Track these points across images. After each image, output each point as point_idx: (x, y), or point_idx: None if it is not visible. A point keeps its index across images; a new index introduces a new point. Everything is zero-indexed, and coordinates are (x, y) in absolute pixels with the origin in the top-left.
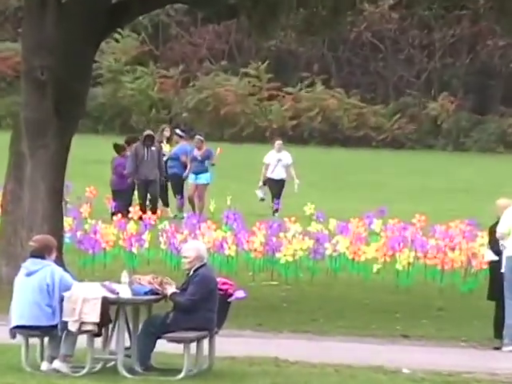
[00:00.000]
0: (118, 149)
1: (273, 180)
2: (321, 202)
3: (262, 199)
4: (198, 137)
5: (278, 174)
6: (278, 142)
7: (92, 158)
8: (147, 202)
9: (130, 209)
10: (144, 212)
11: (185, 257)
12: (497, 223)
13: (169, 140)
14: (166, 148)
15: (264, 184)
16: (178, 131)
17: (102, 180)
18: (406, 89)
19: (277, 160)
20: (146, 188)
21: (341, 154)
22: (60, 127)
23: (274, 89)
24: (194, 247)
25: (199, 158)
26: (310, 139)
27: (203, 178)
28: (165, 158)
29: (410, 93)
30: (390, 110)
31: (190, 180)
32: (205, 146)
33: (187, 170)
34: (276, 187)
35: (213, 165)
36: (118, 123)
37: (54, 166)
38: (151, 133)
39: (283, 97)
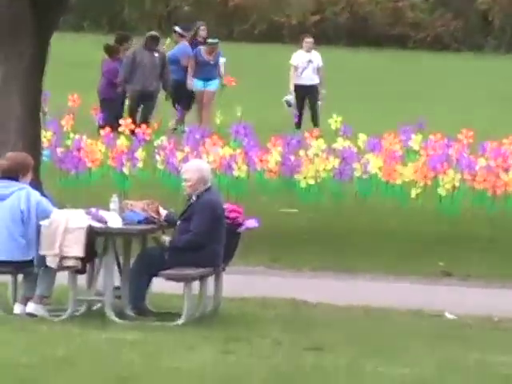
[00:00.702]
0: (110, 50)
1: (302, 86)
2: (348, 113)
3: (290, 105)
4: (212, 40)
5: (308, 78)
6: (308, 40)
7: (75, 61)
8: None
9: (121, 121)
10: (148, 126)
11: (185, 179)
12: None
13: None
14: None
15: (294, 90)
16: (177, 29)
17: (87, 87)
18: None
19: (307, 61)
20: (139, 100)
21: (372, 57)
22: (38, 25)
23: None
24: (195, 167)
25: (212, 62)
26: (336, 38)
27: (214, 84)
28: None
29: None
30: (431, 4)
31: (198, 87)
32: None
33: (189, 76)
34: (306, 94)
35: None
36: (107, 18)
37: (31, 72)
38: (155, 34)
39: None
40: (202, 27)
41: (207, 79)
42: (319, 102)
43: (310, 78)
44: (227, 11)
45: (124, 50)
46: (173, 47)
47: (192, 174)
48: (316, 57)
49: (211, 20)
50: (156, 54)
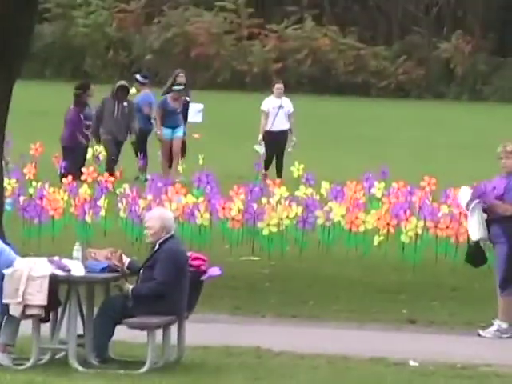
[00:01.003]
0: (78, 98)
1: (272, 132)
2: (311, 161)
3: (264, 153)
4: (177, 88)
5: (279, 123)
6: (279, 86)
7: (38, 109)
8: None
9: (83, 170)
10: (112, 175)
11: (147, 227)
12: None
13: (184, 87)
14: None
15: (263, 138)
16: (138, 77)
17: (49, 135)
18: (413, 26)
19: (278, 107)
20: (116, 145)
21: (335, 105)
22: (0, 72)
23: (255, 26)
24: (158, 216)
25: (178, 110)
26: (298, 86)
27: (181, 132)
28: None
29: (417, 31)
30: (393, 52)
31: (167, 136)
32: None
33: (158, 125)
34: (277, 141)
35: None
36: (70, 67)
37: None
38: (125, 84)
39: (266, 35)
40: (180, 74)
41: (175, 127)
42: (289, 149)
43: (280, 124)
44: (189, 60)
45: (86, 96)
46: (135, 96)
47: (154, 222)
48: (287, 102)
49: (173, 68)
50: (125, 103)
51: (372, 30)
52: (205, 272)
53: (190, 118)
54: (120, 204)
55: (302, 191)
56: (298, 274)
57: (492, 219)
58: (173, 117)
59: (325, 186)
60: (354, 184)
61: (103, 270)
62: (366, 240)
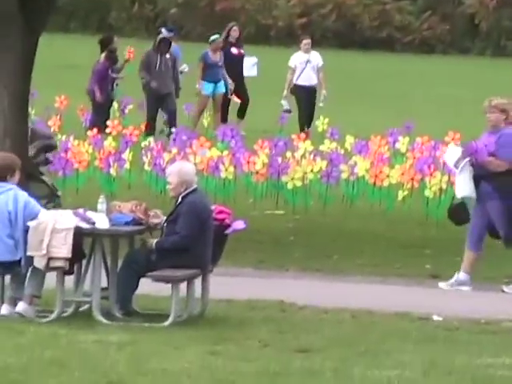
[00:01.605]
0: (111, 53)
1: (301, 87)
2: (335, 115)
3: (288, 111)
4: (216, 37)
5: (307, 78)
6: (306, 42)
7: (63, 62)
8: (163, 119)
9: (108, 122)
10: (150, 129)
11: (168, 182)
12: None
13: (238, 41)
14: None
15: (291, 92)
16: (164, 31)
17: (74, 88)
18: None
19: (305, 62)
20: (156, 104)
21: (359, 59)
22: (26, 24)
23: None
24: (176, 170)
25: (219, 63)
26: (323, 41)
27: (223, 87)
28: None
29: None
30: (418, 7)
31: (206, 91)
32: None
33: (198, 79)
34: (305, 95)
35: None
36: (95, 20)
37: (19, 71)
38: (167, 36)
39: None
40: (233, 28)
41: (216, 81)
42: (320, 104)
43: (308, 78)
44: (214, 14)
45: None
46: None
47: (173, 177)
48: (315, 57)
49: (198, 23)
50: (168, 56)
51: None
52: (229, 225)
53: (245, 73)
54: (144, 157)
55: (327, 145)
56: (322, 229)
57: (482, 177)
58: (214, 70)
59: (349, 140)
60: (379, 138)
61: (128, 222)
62: (390, 195)
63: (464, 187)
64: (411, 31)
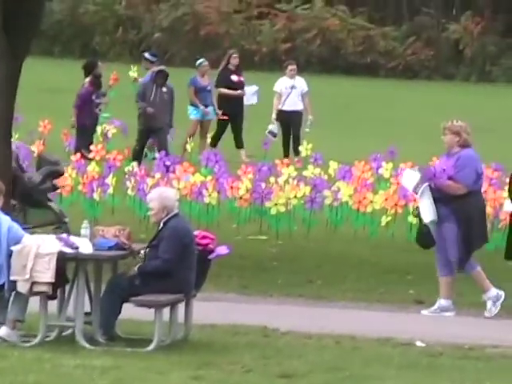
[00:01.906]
0: (96, 79)
1: (285, 112)
2: (319, 141)
3: (274, 135)
4: (202, 61)
5: (292, 104)
6: (292, 67)
7: (47, 86)
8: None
9: (92, 147)
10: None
11: (150, 208)
12: None
13: (238, 69)
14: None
15: (276, 119)
16: (147, 55)
17: (58, 112)
18: (422, 7)
19: (290, 87)
20: (147, 136)
21: (343, 85)
22: (9, 47)
23: (264, 5)
24: (157, 196)
25: (208, 87)
26: (307, 66)
27: (212, 112)
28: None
29: (426, 11)
30: (402, 33)
31: (194, 116)
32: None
33: (195, 102)
34: (289, 120)
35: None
36: (78, 45)
37: (2, 94)
38: (164, 68)
39: (275, 15)
40: (233, 55)
41: (205, 106)
42: (306, 129)
43: (293, 104)
44: (198, 39)
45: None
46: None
47: (154, 203)
48: (300, 82)
49: (182, 47)
50: (164, 89)
51: (381, 10)
52: (212, 251)
53: (245, 101)
54: (128, 182)
55: (310, 171)
56: (305, 254)
57: (439, 200)
58: (203, 94)
59: (333, 165)
60: (362, 164)
61: (111, 247)
62: (373, 220)
63: (429, 212)
64: (395, 57)
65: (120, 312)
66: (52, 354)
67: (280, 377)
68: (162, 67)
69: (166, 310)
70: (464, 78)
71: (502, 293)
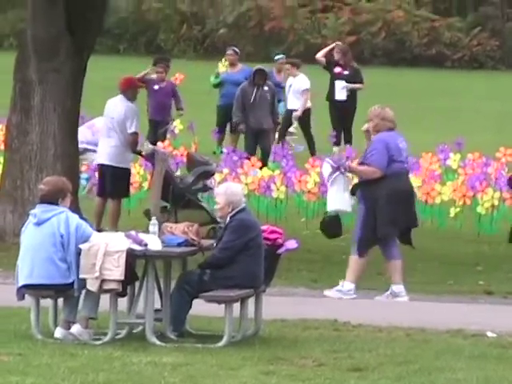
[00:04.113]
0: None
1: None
2: None
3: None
4: (280, 56)
5: (289, 102)
6: (286, 66)
7: (113, 84)
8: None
9: (158, 144)
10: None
11: (216, 203)
12: None
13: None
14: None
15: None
16: (236, 49)
17: None
18: None
19: (288, 86)
20: (255, 139)
21: (409, 76)
22: (74, 46)
23: None
24: (223, 191)
25: (282, 84)
26: (372, 58)
27: (282, 107)
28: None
29: (491, 1)
30: (467, 23)
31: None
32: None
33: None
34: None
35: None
36: (143, 42)
37: (68, 92)
38: (262, 67)
39: (340, 8)
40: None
41: (278, 101)
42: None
43: (290, 103)
44: (263, 34)
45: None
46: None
47: (220, 198)
48: (298, 81)
49: (247, 42)
50: (265, 88)
51: (446, 1)
52: (281, 245)
53: (336, 96)
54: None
55: None
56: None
57: (359, 184)
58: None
59: None
60: (430, 156)
61: (180, 244)
62: (441, 212)
63: (334, 201)
64: (460, 48)
65: (190, 308)
66: (122, 352)
67: (351, 370)
68: (260, 66)
69: (236, 306)
70: None
71: (404, 293)
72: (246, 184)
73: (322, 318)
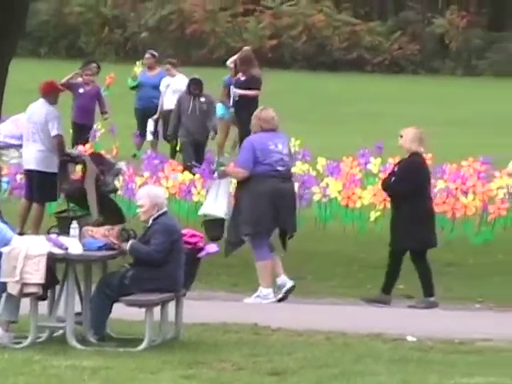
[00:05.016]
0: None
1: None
2: (307, 137)
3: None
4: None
5: (167, 102)
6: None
7: (33, 87)
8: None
9: (80, 147)
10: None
11: (139, 206)
12: None
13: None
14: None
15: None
16: (154, 52)
17: None
18: (407, 1)
19: (165, 86)
20: (192, 148)
21: (329, 80)
22: None
23: (249, 2)
24: (147, 193)
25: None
26: (293, 62)
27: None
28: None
29: (411, 6)
30: (388, 28)
31: (221, 114)
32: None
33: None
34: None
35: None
36: (64, 45)
37: None
38: (198, 77)
39: (261, 12)
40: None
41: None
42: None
43: (167, 103)
44: (184, 37)
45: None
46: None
47: (144, 200)
48: (176, 81)
49: (169, 46)
50: (202, 99)
51: (367, 5)
52: (202, 249)
53: (230, 101)
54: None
55: (299, 167)
56: (294, 251)
57: None
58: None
59: (321, 162)
60: (350, 160)
61: (101, 247)
62: (362, 216)
63: (206, 205)
64: (381, 52)
65: (110, 312)
66: (42, 356)
67: (271, 374)
68: (194, 76)
69: (157, 309)
70: (450, 71)
71: (272, 296)
72: (167, 188)
73: (242, 322)
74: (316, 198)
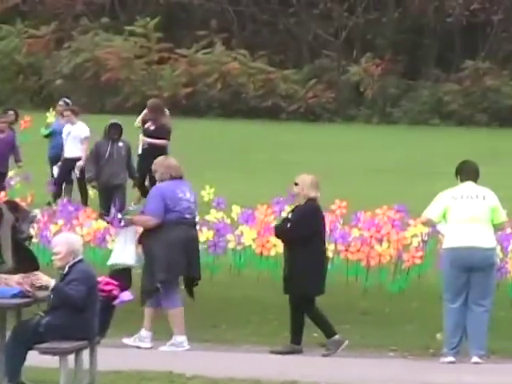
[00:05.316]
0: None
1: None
2: (221, 185)
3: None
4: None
5: (68, 150)
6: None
7: None
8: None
9: None
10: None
11: (55, 253)
12: None
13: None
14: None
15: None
16: (68, 100)
17: None
18: (323, 50)
19: (66, 134)
20: (109, 194)
21: (245, 128)
22: None
23: (164, 50)
24: (64, 240)
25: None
26: (208, 110)
27: None
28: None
29: (327, 54)
30: (303, 76)
31: None
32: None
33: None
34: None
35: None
36: None
37: None
38: (117, 121)
39: (176, 60)
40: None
41: None
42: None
43: (68, 151)
44: (99, 85)
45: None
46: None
47: (61, 247)
48: (76, 129)
49: (83, 93)
50: (120, 144)
51: (282, 53)
52: (116, 297)
53: (138, 150)
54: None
55: (213, 215)
56: (209, 298)
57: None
58: None
59: (236, 209)
60: (265, 208)
61: (15, 295)
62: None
63: (114, 255)
64: (296, 100)
65: (25, 359)
66: None
67: None
68: (114, 120)
69: (71, 357)
70: (365, 119)
71: (185, 344)
72: (82, 235)
73: (156, 370)
74: (231, 245)
